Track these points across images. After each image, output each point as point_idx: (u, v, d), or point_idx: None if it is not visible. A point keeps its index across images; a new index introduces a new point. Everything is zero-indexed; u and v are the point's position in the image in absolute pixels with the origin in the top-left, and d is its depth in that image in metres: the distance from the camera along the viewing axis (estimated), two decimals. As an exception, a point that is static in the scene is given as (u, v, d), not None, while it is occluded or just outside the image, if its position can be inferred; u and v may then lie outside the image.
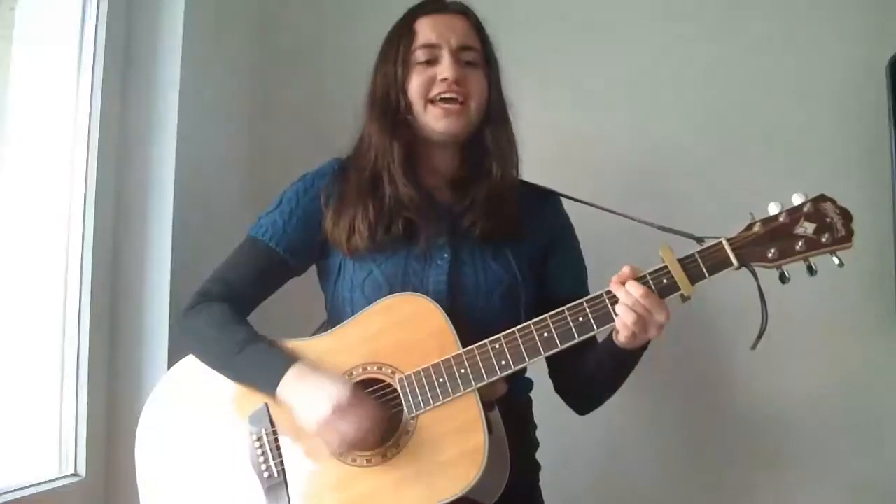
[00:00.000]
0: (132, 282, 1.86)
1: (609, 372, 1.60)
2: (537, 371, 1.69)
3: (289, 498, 1.45)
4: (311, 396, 1.42)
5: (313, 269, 1.72)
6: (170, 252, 1.86)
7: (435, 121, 1.60)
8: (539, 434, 1.74)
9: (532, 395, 1.73)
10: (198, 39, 1.94)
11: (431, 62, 1.61)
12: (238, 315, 1.57)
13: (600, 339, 1.52)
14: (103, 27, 1.81)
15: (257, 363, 1.49)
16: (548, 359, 1.52)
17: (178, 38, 1.88)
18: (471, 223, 1.61)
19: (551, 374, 1.70)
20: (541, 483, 1.72)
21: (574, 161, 2.26)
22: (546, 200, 1.74)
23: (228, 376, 1.52)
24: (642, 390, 2.21)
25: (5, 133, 1.75)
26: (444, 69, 1.59)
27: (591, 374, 1.61)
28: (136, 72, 1.88)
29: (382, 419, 1.42)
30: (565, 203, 1.76)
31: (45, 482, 1.68)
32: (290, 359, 1.48)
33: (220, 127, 2.14)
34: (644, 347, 1.51)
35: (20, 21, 1.77)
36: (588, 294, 1.47)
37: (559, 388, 1.71)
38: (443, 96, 1.59)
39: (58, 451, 1.76)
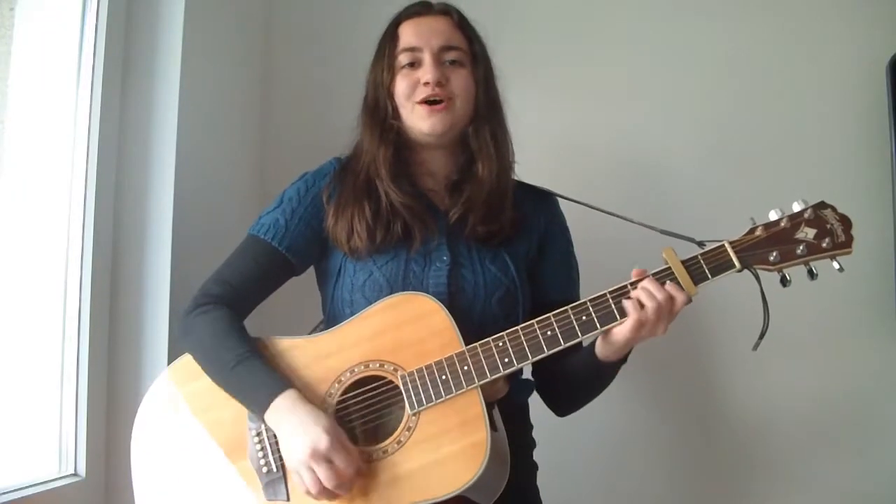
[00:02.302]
0: (132, 282, 1.86)
1: (586, 380, 1.62)
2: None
3: (287, 492, 1.45)
4: (293, 434, 1.41)
5: (311, 269, 1.72)
6: (170, 252, 1.85)
7: (420, 120, 1.61)
8: (536, 434, 1.74)
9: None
10: (198, 39, 1.94)
11: (415, 65, 1.63)
12: (238, 322, 1.57)
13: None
14: (103, 27, 1.81)
15: (250, 384, 1.48)
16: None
17: (178, 38, 1.88)
18: (467, 228, 1.62)
19: (534, 374, 1.71)
20: (538, 483, 1.72)
21: (574, 164, 2.27)
22: (543, 201, 1.75)
23: (221, 388, 1.51)
24: (640, 391, 2.23)
25: (5, 133, 1.74)
26: (425, 72, 1.61)
27: (569, 380, 1.63)
28: (136, 72, 1.88)
29: (358, 473, 1.41)
30: (566, 205, 1.76)
31: (45, 482, 1.68)
32: (280, 385, 1.47)
33: (220, 127, 2.14)
34: (622, 361, 1.53)
35: (20, 21, 1.76)
36: (578, 299, 1.48)
37: (540, 388, 1.72)
38: (426, 100, 1.60)
39: (58, 451, 1.75)
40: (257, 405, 1.46)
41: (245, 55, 2.32)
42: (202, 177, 1.99)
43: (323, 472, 1.37)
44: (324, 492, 1.38)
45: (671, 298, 1.42)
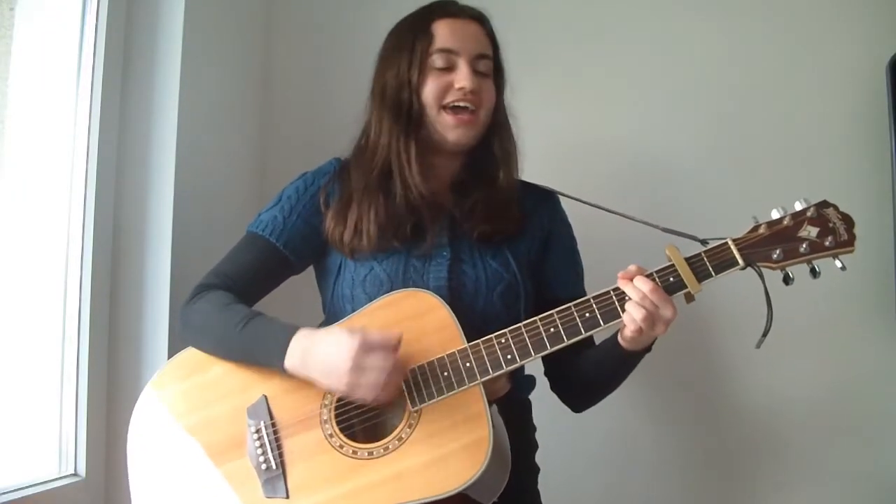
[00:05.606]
0: (132, 282, 1.86)
1: (608, 372, 1.60)
2: (539, 371, 1.69)
3: (287, 490, 1.44)
4: (325, 354, 1.40)
5: (310, 269, 1.72)
6: (170, 252, 1.85)
7: (447, 130, 1.60)
8: (538, 436, 1.74)
9: (531, 397, 1.73)
10: (198, 39, 1.94)
11: (448, 68, 1.60)
12: (238, 299, 1.56)
13: (603, 336, 1.53)
14: (103, 27, 1.80)
15: (260, 338, 1.47)
16: (545, 357, 1.52)
17: (178, 38, 1.88)
18: (472, 227, 1.61)
19: (547, 373, 1.71)
20: (539, 486, 1.71)
21: (577, 163, 2.27)
22: (545, 200, 1.75)
23: (231, 356, 1.51)
24: (643, 391, 2.23)
25: (5, 133, 1.74)
26: (462, 78, 1.59)
27: (590, 374, 1.62)
28: (136, 72, 1.88)
29: (398, 345, 1.41)
30: (568, 204, 1.76)
31: (45, 482, 1.68)
32: (292, 327, 1.46)
33: (220, 127, 2.13)
34: (647, 350, 1.52)
35: (20, 21, 1.76)
36: (583, 295, 1.47)
37: (555, 387, 1.71)
38: (456, 104, 1.59)
39: (58, 451, 1.75)
40: (275, 352, 1.45)
41: (245, 55, 2.32)
42: (202, 176, 1.98)
43: (377, 361, 1.37)
44: (392, 374, 1.38)
45: (635, 287, 1.41)
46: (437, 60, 1.60)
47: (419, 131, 1.62)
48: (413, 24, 1.66)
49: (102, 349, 1.82)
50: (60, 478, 1.73)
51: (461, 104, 1.59)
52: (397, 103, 1.61)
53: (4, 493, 1.56)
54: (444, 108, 1.60)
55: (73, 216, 1.79)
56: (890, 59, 2.15)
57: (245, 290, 1.60)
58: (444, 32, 1.62)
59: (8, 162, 1.75)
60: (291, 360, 1.43)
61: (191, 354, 1.56)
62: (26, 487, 1.63)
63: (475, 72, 1.61)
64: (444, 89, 1.59)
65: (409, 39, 1.63)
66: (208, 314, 1.53)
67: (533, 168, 1.77)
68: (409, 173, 1.59)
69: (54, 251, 1.78)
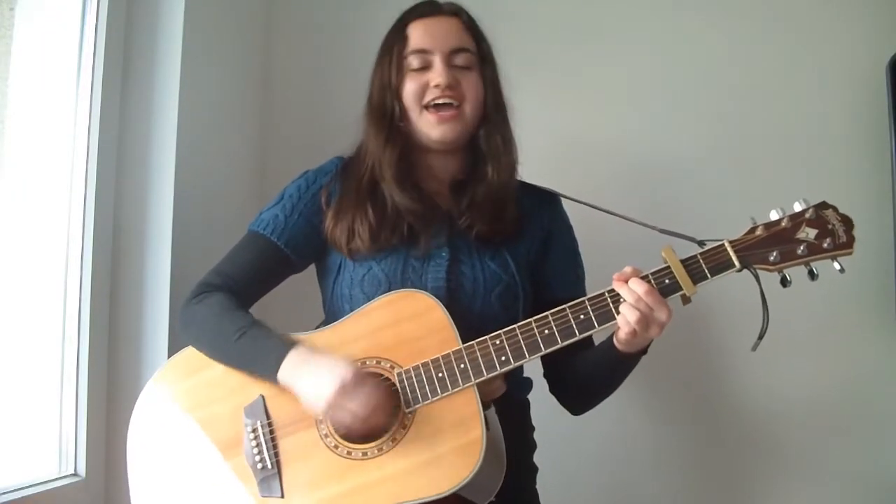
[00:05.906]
0: (132, 282, 1.86)
1: (606, 374, 1.60)
2: (537, 373, 1.69)
3: (282, 489, 1.44)
4: (314, 378, 1.41)
5: (311, 267, 1.72)
6: (170, 252, 1.86)
7: (430, 128, 1.60)
8: (536, 436, 1.74)
9: (530, 397, 1.73)
10: (198, 39, 1.94)
11: (424, 68, 1.61)
12: (239, 303, 1.57)
13: (601, 337, 1.52)
14: (103, 27, 1.80)
15: (257, 349, 1.48)
16: (543, 359, 1.53)
17: (178, 38, 1.88)
18: (470, 226, 1.61)
19: (546, 375, 1.70)
20: (538, 486, 1.71)
21: (575, 163, 2.27)
22: (545, 201, 1.74)
23: (228, 363, 1.52)
24: (641, 392, 2.23)
25: (5, 133, 1.74)
26: (436, 75, 1.59)
27: (587, 376, 1.62)
28: (136, 72, 1.88)
29: (387, 397, 1.42)
30: (567, 206, 1.76)
31: (45, 482, 1.68)
32: (289, 343, 1.47)
33: (220, 127, 2.14)
34: (643, 352, 1.51)
35: (20, 21, 1.76)
36: (585, 296, 1.47)
37: (554, 389, 1.71)
38: (436, 102, 1.59)
39: (58, 451, 1.75)
40: (268, 367, 1.46)
41: (245, 55, 2.32)
42: (202, 176, 1.99)
43: (359, 399, 1.38)
44: (368, 418, 1.39)
45: (630, 289, 1.41)
46: (413, 62, 1.61)
47: (403, 138, 1.62)
48: (392, 30, 1.68)
49: (102, 349, 1.82)
50: (60, 478, 1.73)
51: (441, 101, 1.59)
52: (381, 110, 1.63)
53: (4, 493, 1.56)
54: (426, 107, 1.60)
55: (73, 216, 1.79)
56: (890, 59, 2.14)
57: (246, 289, 1.61)
58: (417, 33, 1.63)
59: (8, 162, 1.75)
60: (284, 373, 1.45)
61: (191, 353, 1.56)
62: (26, 487, 1.63)
63: (453, 66, 1.61)
64: (422, 89, 1.60)
65: (389, 45, 1.66)
66: (206, 320, 1.54)
67: (532, 168, 1.76)
68: (388, 182, 1.60)
69: (54, 251, 1.78)
